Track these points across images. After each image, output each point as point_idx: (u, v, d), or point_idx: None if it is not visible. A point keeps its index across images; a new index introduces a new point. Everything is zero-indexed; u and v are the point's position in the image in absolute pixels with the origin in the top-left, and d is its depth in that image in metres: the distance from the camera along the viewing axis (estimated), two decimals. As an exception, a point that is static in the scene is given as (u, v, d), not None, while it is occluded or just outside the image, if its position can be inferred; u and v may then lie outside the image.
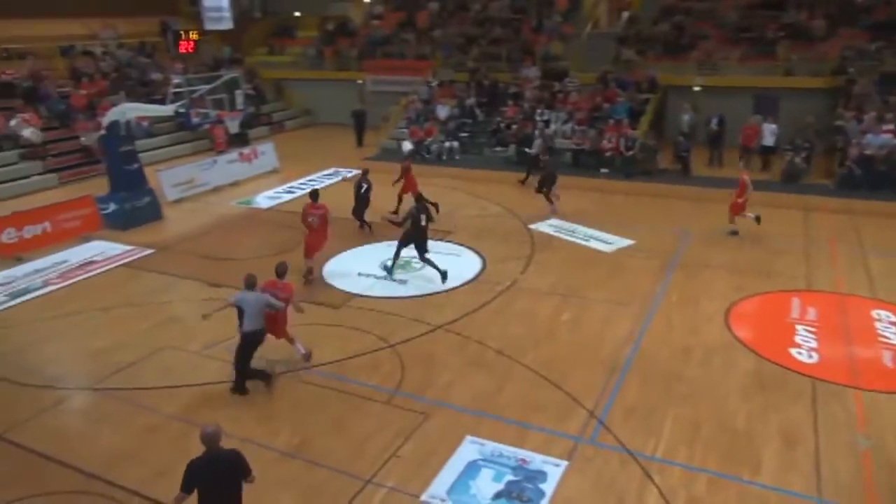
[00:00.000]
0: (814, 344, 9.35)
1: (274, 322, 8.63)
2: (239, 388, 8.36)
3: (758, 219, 13.78)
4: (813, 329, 9.79)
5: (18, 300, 11.50)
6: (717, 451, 7.14)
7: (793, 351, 9.20)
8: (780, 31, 22.02)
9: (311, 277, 11.91)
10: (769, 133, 18.94)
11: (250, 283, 8.29)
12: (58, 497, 6.66)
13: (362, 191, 14.28)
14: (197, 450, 7.32)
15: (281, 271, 8.79)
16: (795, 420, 7.66)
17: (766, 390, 8.28)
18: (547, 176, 15.74)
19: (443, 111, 22.70)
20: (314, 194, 12.16)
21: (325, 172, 20.06)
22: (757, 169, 18.69)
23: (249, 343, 8.22)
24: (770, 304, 10.79)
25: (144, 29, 28.75)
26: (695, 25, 23.69)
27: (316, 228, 11.72)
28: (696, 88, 21.97)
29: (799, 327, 9.88)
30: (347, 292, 11.43)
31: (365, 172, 14.58)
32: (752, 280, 11.61)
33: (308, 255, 11.83)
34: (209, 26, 27.83)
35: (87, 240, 14.34)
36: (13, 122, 19.73)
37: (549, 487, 6.63)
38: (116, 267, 12.97)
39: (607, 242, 13.61)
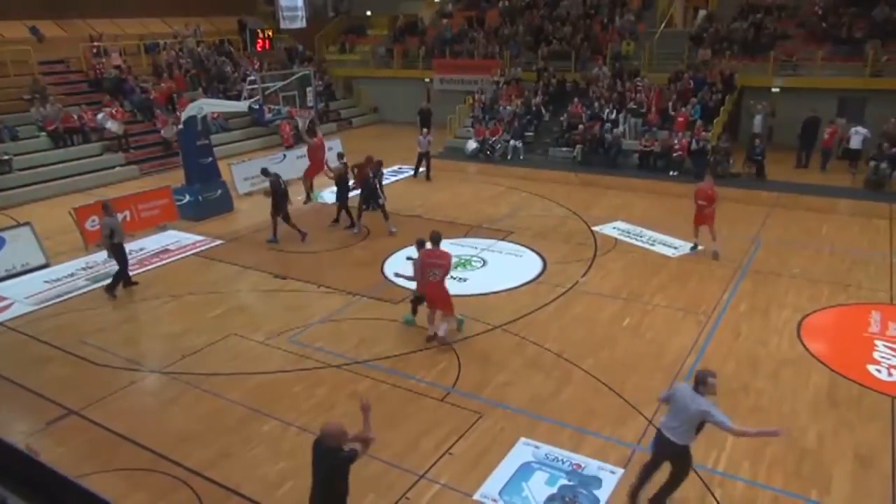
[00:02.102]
0: (895, 361, 8.82)
1: (437, 294, 9.25)
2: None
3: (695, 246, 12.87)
4: (894, 345, 9.23)
5: (99, 284, 12.13)
6: (784, 468, 6.83)
7: (871, 368, 8.70)
8: (868, 30, 20.88)
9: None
10: (856, 137, 18.03)
11: (107, 209, 11.47)
12: (127, 473, 6.99)
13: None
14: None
15: (436, 239, 9.26)
16: (871, 441, 7.24)
17: (839, 407, 7.87)
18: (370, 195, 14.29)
19: (508, 110, 22.58)
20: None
21: (390, 169, 20.26)
22: (837, 173, 17.88)
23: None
24: (847, 318, 10.23)
25: (224, 27, 29.87)
26: (775, 24, 22.75)
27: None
28: (775, 89, 21.09)
29: (879, 343, 9.33)
30: (407, 288, 11.51)
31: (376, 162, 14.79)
32: (829, 291, 11.05)
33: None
34: (284, 25, 28.63)
35: (163, 229, 15.01)
36: (100, 116, 20.86)
37: (603, 494, 6.50)
38: (189, 256, 13.53)
39: (673, 247, 13.24)
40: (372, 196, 14.31)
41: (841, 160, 18.45)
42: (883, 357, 8.94)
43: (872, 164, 17.13)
